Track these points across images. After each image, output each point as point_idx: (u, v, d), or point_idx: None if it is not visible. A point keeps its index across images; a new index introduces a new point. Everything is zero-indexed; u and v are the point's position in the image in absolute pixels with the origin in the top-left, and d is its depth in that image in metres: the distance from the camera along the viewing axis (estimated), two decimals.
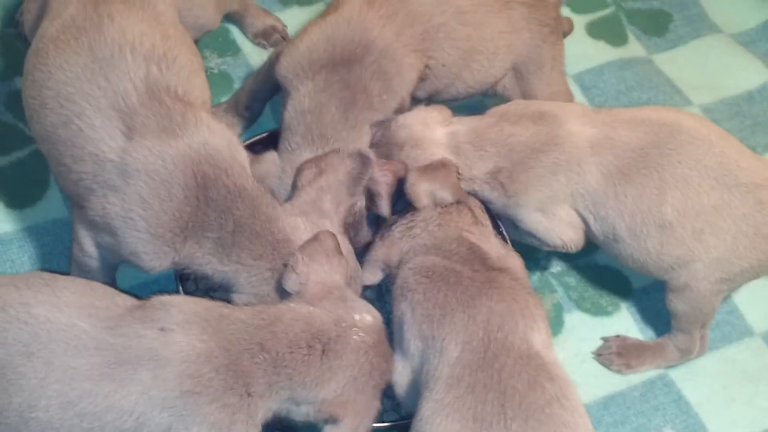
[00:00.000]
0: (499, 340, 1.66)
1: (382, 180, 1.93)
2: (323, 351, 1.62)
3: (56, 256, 2.14)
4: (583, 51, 2.69)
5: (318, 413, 1.63)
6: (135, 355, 1.54)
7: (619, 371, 2.13)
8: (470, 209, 1.92)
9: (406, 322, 1.75)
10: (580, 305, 2.23)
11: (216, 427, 1.54)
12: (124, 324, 1.57)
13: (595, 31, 2.75)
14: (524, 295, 1.74)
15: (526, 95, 2.23)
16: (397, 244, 1.87)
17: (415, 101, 2.14)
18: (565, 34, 2.44)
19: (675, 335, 2.11)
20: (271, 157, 2.00)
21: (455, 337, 1.67)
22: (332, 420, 1.63)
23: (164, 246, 1.74)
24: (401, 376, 1.75)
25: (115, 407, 1.52)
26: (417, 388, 1.72)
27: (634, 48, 2.74)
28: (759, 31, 2.82)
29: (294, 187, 1.89)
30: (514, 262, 1.87)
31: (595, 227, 2.00)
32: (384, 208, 1.94)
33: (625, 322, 2.22)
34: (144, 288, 2.05)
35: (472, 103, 2.30)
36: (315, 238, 1.75)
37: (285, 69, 2.03)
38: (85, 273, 1.88)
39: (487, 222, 1.96)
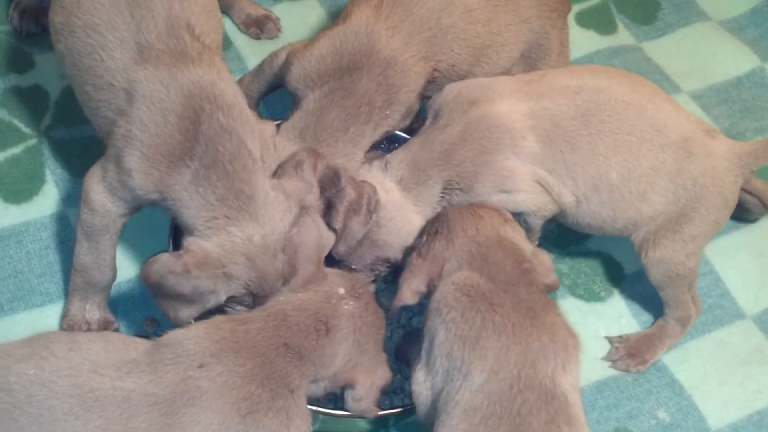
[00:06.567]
0: (529, 376, 1.63)
1: (347, 195, 1.94)
2: (327, 329, 1.72)
3: (53, 250, 2.15)
4: (572, 40, 2.67)
5: (334, 384, 1.75)
6: (187, 399, 1.58)
7: (637, 371, 2.14)
8: (494, 209, 1.92)
9: (437, 338, 1.71)
10: (574, 291, 2.25)
11: None
12: (163, 372, 1.60)
13: (584, 20, 2.77)
14: (563, 335, 1.71)
15: None
16: (439, 255, 1.84)
17: (424, 99, 2.15)
18: None
19: (668, 309, 2.14)
20: (270, 129, 2.02)
21: (483, 365, 1.65)
22: (349, 386, 1.75)
23: (152, 167, 1.78)
24: (422, 387, 1.74)
25: None
26: (435, 402, 1.71)
27: (624, 36, 2.76)
28: (747, 18, 2.85)
29: (282, 167, 1.90)
30: (542, 258, 1.87)
31: (555, 196, 2.01)
32: (339, 221, 1.95)
33: (617, 307, 2.24)
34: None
35: None
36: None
37: (296, 80, 2.08)
38: (91, 239, 1.91)
39: (510, 216, 1.95)
